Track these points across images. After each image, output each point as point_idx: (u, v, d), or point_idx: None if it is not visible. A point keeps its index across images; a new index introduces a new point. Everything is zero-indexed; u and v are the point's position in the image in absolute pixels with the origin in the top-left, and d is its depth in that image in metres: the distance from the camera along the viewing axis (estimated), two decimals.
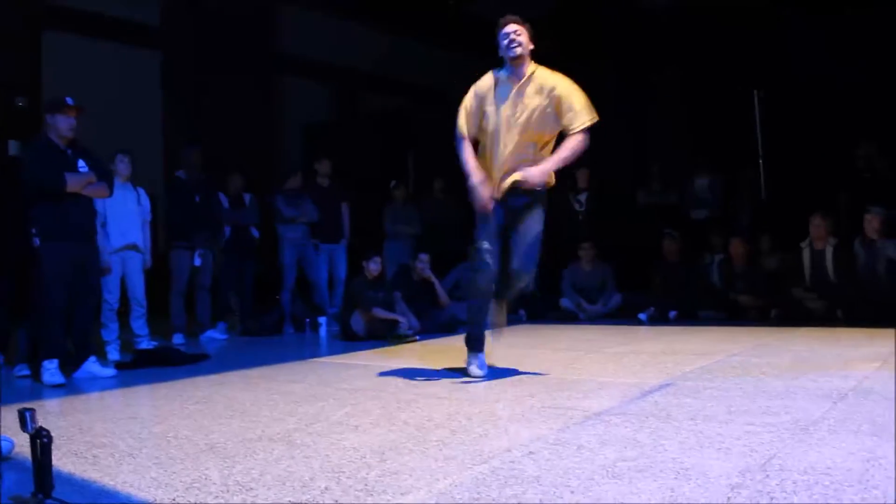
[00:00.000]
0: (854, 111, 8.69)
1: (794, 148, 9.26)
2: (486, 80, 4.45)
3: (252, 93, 12.10)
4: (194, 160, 7.89)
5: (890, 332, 6.06)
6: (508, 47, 4.33)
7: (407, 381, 4.42)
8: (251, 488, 2.29)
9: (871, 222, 7.47)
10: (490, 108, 4.38)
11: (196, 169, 7.87)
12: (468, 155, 4.39)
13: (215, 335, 7.73)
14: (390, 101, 14.61)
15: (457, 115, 4.44)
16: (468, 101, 4.45)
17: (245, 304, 8.31)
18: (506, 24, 4.39)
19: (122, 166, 6.55)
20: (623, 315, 8.40)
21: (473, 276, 4.54)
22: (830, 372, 4.18)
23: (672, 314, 8.18)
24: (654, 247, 8.89)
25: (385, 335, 6.97)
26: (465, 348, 4.59)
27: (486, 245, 4.44)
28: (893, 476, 2.17)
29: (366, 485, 2.29)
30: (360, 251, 7.89)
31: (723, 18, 9.67)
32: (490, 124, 4.39)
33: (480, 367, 4.48)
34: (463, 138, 4.41)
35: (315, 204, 8.54)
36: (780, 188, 9.64)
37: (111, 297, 6.38)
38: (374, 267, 7.37)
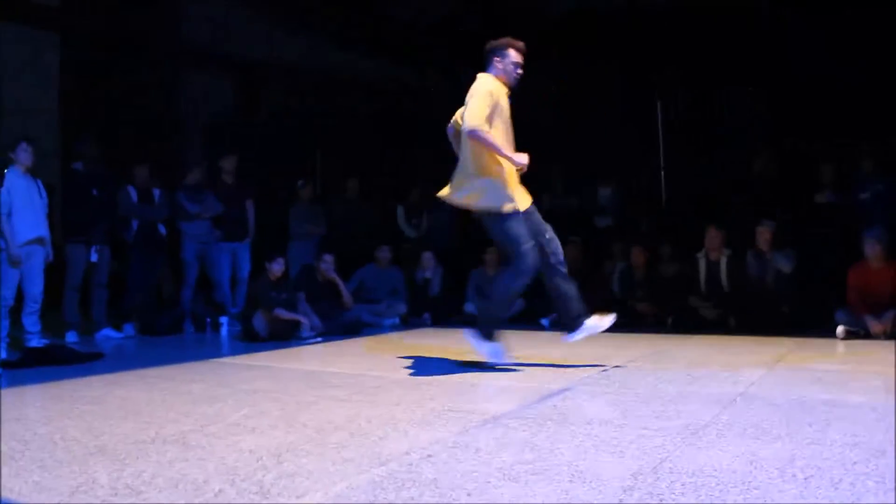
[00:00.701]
0: (756, 122, 9.05)
1: (694, 158, 9.57)
2: (499, 88, 4.82)
3: (154, 84, 11.78)
4: (92, 151, 7.61)
5: (777, 339, 6.35)
6: (518, 76, 4.90)
7: (308, 382, 4.39)
8: (141, 491, 2.23)
9: (763, 234, 7.80)
10: (502, 116, 4.80)
11: (94, 161, 7.60)
12: (498, 142, 4.70)
13: (111, 334, 7.48)
14: (298, 97, 14.43)
15: (472, 113, 4.67)
16: (489, 100, 4.70)
17: (147, 301, 8.08)
18: (522, 52, 4.92)
19: (24, 155, 6.28)
20: (525, 320, 8.51)
21: (519, 280, 4.84)
22: (721, 378, 4.35)
23: None
24: None
25: (288, 336, 6.90)
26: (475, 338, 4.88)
27: (531, 244, 4.75)
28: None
29: (261, 487, 2.26)
30: (263, 251, 7.78)
31: (627, 28, 9.91)
32: (503, 129, 4.80)
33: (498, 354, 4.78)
34: (487, 131, 4.65)
35: (219, 201, 8.38)
36: (679, 197, 9.95)
37: (8, 292, 6.10)
38: (277, 267, 7.28)
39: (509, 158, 4.70)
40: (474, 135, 4.63)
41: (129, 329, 7.69)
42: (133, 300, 7.93)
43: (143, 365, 5.24)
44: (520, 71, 4.92)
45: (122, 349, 6.78)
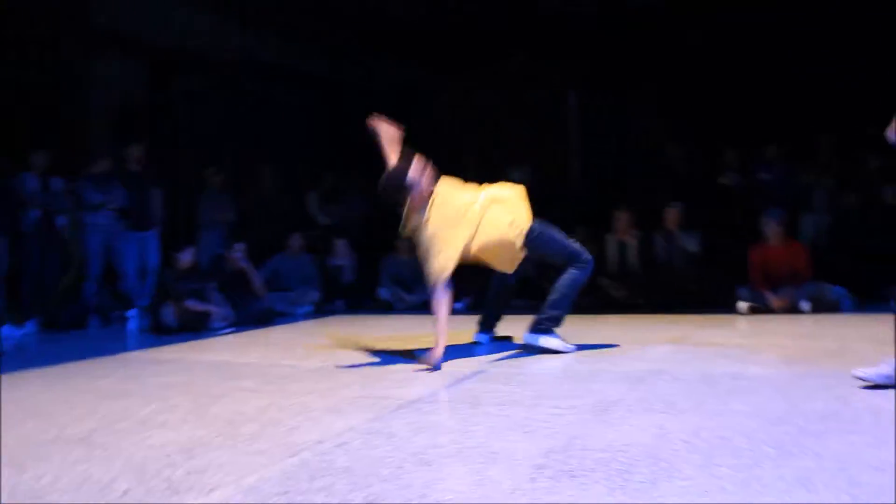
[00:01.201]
0: (664, 110, 9.29)
1: (605, 142, 9.76)
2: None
3: (59, 68, 11.29)
4: None
5: (684, 317, 6.54)
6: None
7: (219, 374, 4.31)
8: (42, 495, 2.15)
9: (671, 215, 8.03)
10: None
11: None
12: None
13: (11, 331, 7.18)
14: (210, 84, 14.06)
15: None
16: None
17: (47, 295, 7.78)
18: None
19: None
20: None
21: (586, 272, 4.90)
22: (631, 356, 4.47)
23: None
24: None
25: (199, 327, 6.76)
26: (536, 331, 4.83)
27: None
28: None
29: (170, 483, 2.21)
30: (172, 240, 7.59)
31: (531, 20, 10.01)
32: None
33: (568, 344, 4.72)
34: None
35: (125, 189, 8.13)
36: (591, 181, 10.13)
37: None
38: (186, 257, 7.12)
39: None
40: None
41: (30, 325, 7.38)
42: (32, 294, 7.62)
43: (45, 363, 5.04)
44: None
45: (23, 346, 6.51)
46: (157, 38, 12.64)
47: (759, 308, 6.85)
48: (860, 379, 3.07)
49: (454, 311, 8.00)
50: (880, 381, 2.98)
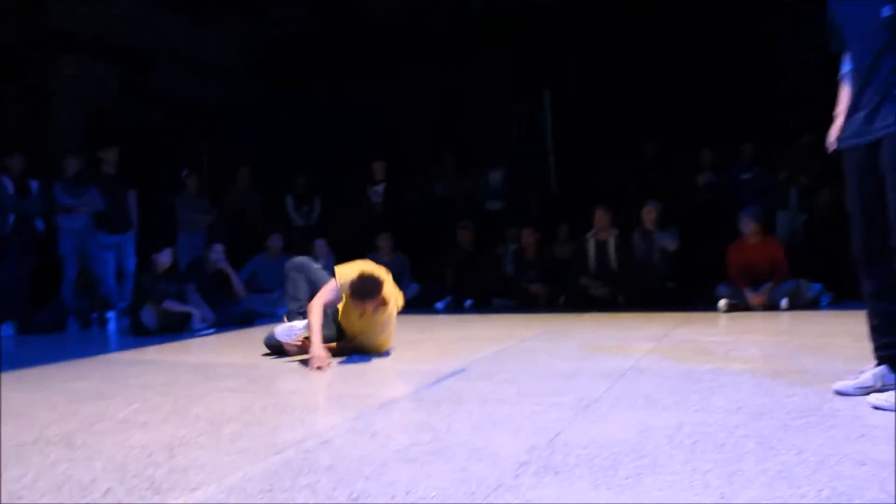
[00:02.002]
0: (641, 111, 9.33)
1: (583, 144, 9.79)
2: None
3: (27, 71, 11.18)
4: None
5: (664, 314, 6.59)
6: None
7: (200, 374, 4.28)
8: (22, 496, 2.12)
9: (648, 214, 8.08)
10: None
11: None
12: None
13: None
14: (184, 85, 13.97)
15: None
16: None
17: (21, 299, 7.68)
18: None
19: None
20: (420, 304, 8.55)
21: None
22: (612, 353, 4.48)
23: (468, 303, 8.43)
24: (450, 237, 9.13)
25: (179, 328, 6.72)
26: None
27: None
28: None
29: (152, 483, 2.19)
30: (150, 243, 7.53)
31: (512, 19, 10.04)
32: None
33: None
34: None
35: (101, 193, 8.06)
36: (569, 181, 10.17)
37: None
38: (164, 259, 7.06)
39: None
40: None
41: (6, 329, 7.31)
42: (9, 299, 7.53)
43: (23, 365, 4.99)
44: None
45: (0, 350, 6.43)
46: (130, 39, 12.57)
47: (738, 305, 6.91)
48: (841, 394, 3.01)
49: (437, 311, 8.09)
50: (859, 394, 2.93)
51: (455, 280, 8.78)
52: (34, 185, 7.70)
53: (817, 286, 6.99)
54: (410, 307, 8.49)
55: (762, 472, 2.05)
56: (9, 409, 3.45)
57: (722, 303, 6.91)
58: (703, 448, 2.31)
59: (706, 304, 7.02)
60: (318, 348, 4.33)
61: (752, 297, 6.89)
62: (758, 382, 3.35)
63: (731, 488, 1.94)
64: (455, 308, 8.36)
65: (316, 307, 4.54)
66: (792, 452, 2.23)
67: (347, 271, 4.59)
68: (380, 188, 9.71)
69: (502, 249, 9.22)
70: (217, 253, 7.66)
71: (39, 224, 7.73)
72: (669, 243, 8.03)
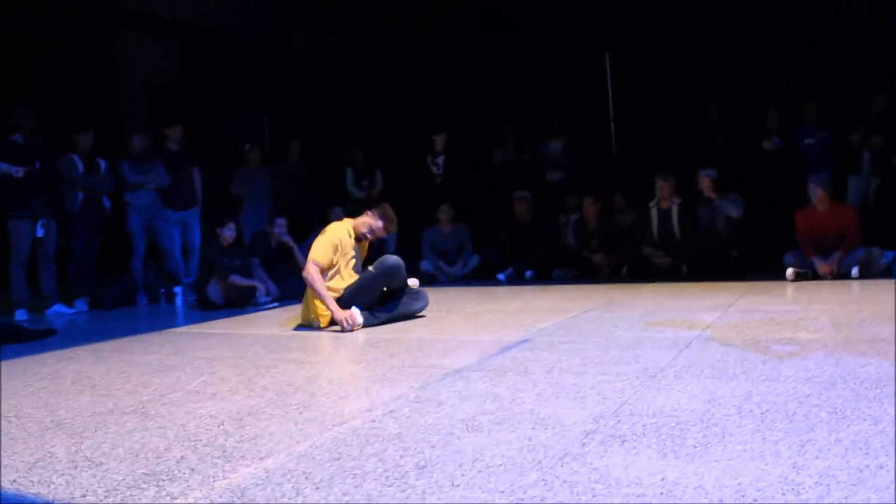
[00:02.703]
0: (703, 74, 9.09)
1: (644, 108, 9.60)
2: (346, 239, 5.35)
3: (94, 50, 11.44)
4: (30, 123, 7.35)
5: (729, 284, 6.47)
6: (372, 237, 5.54)
7: (266, 347, 4.36)
8: (101, 463, 2.20)
9: (704, 182, 7.93)
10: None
11: (33, 132, 7.35)
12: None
13: (62, 309, 7.33)
14: (243, 59, 14.13)
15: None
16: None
17: (91, 275, 7.91)
18: (388, 231, 5.63)
19: None
20: (481, 276, 8.55)
21: None
22: (676, 323, 4.42)
23: (528, 273, 8.40)
24: (509, 208, 9.09)
25: (244, 302, 6.84)
26: None
27: None
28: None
29: (223, 451, 2.24)
30: (214, 217, 7.67)
31: None
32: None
33: None
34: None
35: (166, 170, 8.22)
36: (630, 148, 9.99)
37: None
38: (228, 233, 7.18)
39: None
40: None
41: (80, 304, 7.54)
42: (78, 275, 7.76)
43: (97, 339, 5.16)
44: (379, 235, 5.57)
45: (75, 324, 6.65)
46: (188, 16, 12.75)
47: (806, 274, 6.75)
48: None
49: (498, 282, 8.09)
50: None
51: (508, 250, 8.74)
52: (102, 163, 7.87)
53: (890, 254, 6.76)
54: (471, 278, 8.52)
55: (836, 442, 2.01)
56: (86, 380, 3.57)
57: (789, 272, 6.75)
58: (773, 418, 2.27)
59: (773, 273, 6.87)
60: (339, 311, 4.88)
61: (821, 266, 6.71)
62: (828, 352, 3.27)
63: (802, 458, 1.90)
64: (516, 279, 8.34)
65: (317, 277, 5.04)
66: (868, 423, 2.17)
67: (337, 231, 5.32)
68: (440, 160, 9.69)
69: (563, 220, 9.14)
70: (280, 226, 7.75)
71: (106, 201, 7.91)
72: (733, 210, 7.86)
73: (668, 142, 9.06)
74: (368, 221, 5.41)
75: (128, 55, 12.53)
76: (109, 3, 12.06)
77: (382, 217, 5.43)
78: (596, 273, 8.24)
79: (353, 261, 5.33)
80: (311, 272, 5.03)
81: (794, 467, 1.84)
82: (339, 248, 5.23)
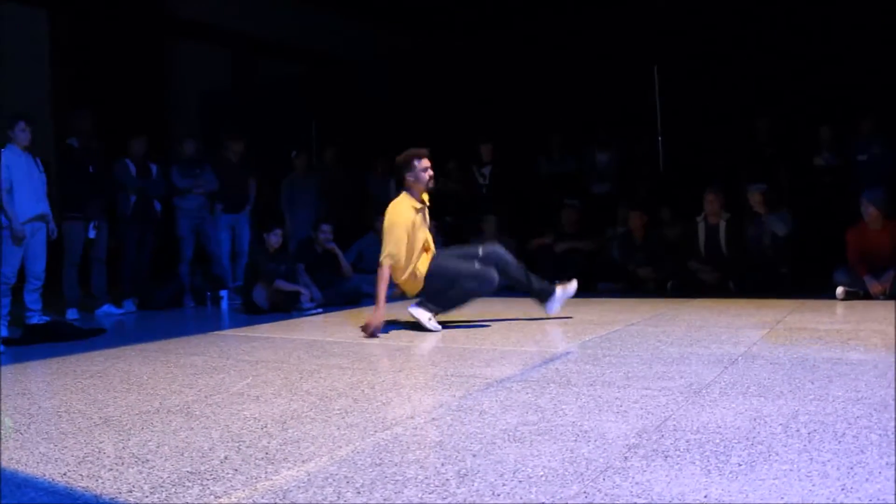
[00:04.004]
0: (751, 87, 8.96)
1: (692, 122, 9.50)
2: (409, 209, 5.32)
3: (147, 57, 11.68)
4: (86, 126, 7.53)
5: (776, 301, 6.36)
6: (430, 177, 5.38)
7: (309, 352, 4.39)
8: (147, 460, 2.24)
9: (753, 198, 7.80)
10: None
11: (88, 136, 7.53)
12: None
13: (112, 310, 7.48)
14: (290, 67, 14.34)
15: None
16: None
17: (142, 276, 8.06)
18: (426, 157, 5.36)
19: (23, 135, 6.20)
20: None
21: None
22: (722, 339, 4.36)
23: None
24: (555, 218, 9.04)
25: (288, 307, 6.91)
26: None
27: None
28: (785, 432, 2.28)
29: (266, 453, 2.26)
30: (261, 223, 7.77)
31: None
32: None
33: None
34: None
35: (219, 175, 8.35)
36: (677, 161, 9.89)
37: (9, 269, 6.05)
38: (274, 239, 7.26)
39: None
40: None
41: (129, 305, 7.69)
42: (129, 276, 7.92)
43: (144, 339, 5.26)
44: (430, 173, 5.38)
45: (123, 324, 6.78)
46: (239, 25, 13.00)
47: (857, 293, 6.60)
48: None
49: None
50: None
51: (558, 262, 8.67)
52: (154, 167, 8.03)
53: None
54: (513, 289, 8.49)
55: (887, 466, 1.96)
56: (133, 379, 3.63)
57: (839, 290, 6.61)
58: (821, 438, 2.22)
59: (822, 291, 6.74)
60: (377, 320, 4.98)
61: (873, 285, 6.55)
62: (880, 373, 3.20)
63: (852, 480, 1.86)
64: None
65: (386, 277, 5.21)
66: None
67: (401, 212, 5.31)
68: (486, 170, 9.68)
69: (610, 233, 9.06)
70: (325, 233, 7.80)
71: (157, 205, 8.07)
72: (780, 228, 7.72)
73: (715, 156, 8.95)
74: (414, 176, 5.36)
75: (180, 63, 12.81)
76: (165, 12, 12.33)
77: (415, 161, 5.36)
78: (641, 287, 8.15)
79: (427, 230, 5.47)
80: (384, 272, 5.19)
81: (842, 489, 1.81)
82: (412, 228, 5.30)
